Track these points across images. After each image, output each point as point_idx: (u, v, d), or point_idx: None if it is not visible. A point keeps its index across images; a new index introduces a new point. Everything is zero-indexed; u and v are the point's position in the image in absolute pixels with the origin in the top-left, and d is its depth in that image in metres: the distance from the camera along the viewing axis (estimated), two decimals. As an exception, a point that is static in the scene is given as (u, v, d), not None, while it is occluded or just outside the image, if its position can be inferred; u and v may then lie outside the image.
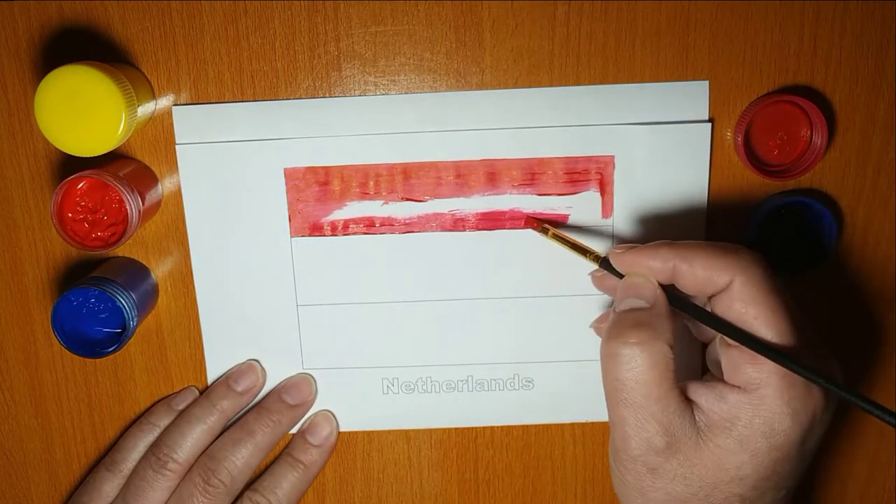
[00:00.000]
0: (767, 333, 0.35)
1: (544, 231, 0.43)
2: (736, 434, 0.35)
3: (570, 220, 0.44)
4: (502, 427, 0.47)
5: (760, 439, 0.35)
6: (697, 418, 0.36)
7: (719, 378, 0.37)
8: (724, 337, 0.36)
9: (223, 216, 0.44)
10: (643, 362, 0.35)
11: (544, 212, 0.44)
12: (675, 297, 0.38)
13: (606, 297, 0.45)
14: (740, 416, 0.35)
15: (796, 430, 0.35)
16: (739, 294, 0.35)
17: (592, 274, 0.42)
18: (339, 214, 0.44)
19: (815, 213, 0.43)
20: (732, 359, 0.36)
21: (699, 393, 0.36)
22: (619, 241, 0.44)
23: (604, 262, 0.40)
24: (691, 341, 0.43)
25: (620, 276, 0.39)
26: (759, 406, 0.35)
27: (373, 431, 0.47)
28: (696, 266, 0.36)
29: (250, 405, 0.46)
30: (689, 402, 0.36)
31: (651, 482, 0.36)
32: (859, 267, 0.45)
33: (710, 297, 0.37)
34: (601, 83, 0.42)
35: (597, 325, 0.44)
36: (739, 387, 0.35)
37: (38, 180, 0.44)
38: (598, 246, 0.44)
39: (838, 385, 0.33)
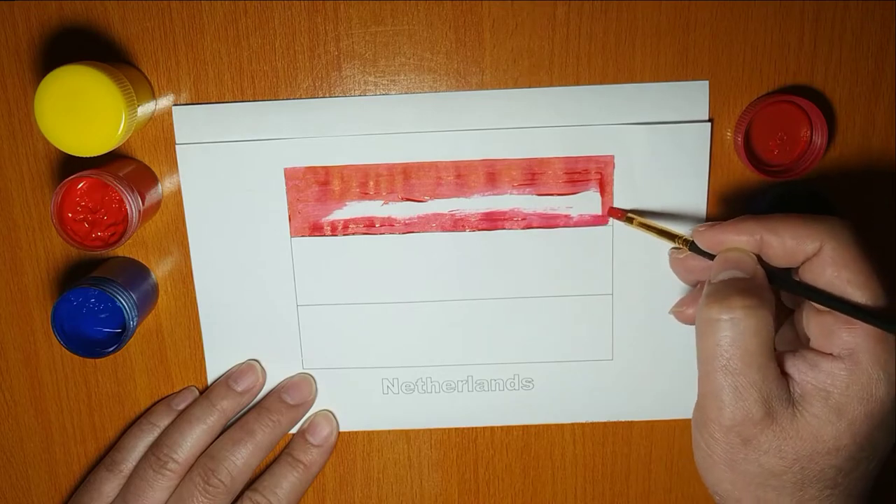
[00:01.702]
0: (861, 297, 0.35)
1: (629, 220, 0.43)
2: (832, 402, 0.34)
3: (571, 221, 0.44)
4: (502, 427, 0.47)
5: (857, 406, 0.34)
6: (792, 390, 0.35)
7: (808, 347, 0.37)
8: (814, 304, 0.36)
9: (223, 216, 0.44)
10: (747, 328, 0.35)
11: (544, 211, 0.44)
12: (770, 270, 0.37)
13: (605, 298, 0.45)
14: (836, 384, 0.34)
15: (891, 397, 0.34)
16: (831, 259, 0.35)
17: (674, 255, 0.42)
18: (339, 214, 0.44)
19: (818, 204, 0.42)
20: (825, 325, 0.35)
21: (791, 363, 0.36)
22: (619, 241, 0.44)
23: (692, 246, 0.40)
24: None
25: (711, 256, 0.39)
26: (854, 371, 0.34)
27: (373, 431, 0.47)
28: (784, 235, 0.36)
29: (250, 405, 0.46)
30: (783, 373, 0.36)
31: (744, 454, 0.36)
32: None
33: (797, 269, 0.37)
34: (601, 83, 0.42)
35: (677, 310, 0.43)
36: (832, 354, 0.35)
37: (38, 180, 0.44)
38: (602, 248, 0.44)
39: None
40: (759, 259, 0.38)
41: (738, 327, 0.35)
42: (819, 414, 0.35)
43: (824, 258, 0.35)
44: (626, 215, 0.43)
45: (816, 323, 0.36)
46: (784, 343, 0.40)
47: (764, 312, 0.35)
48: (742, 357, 0.35)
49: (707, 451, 0.37)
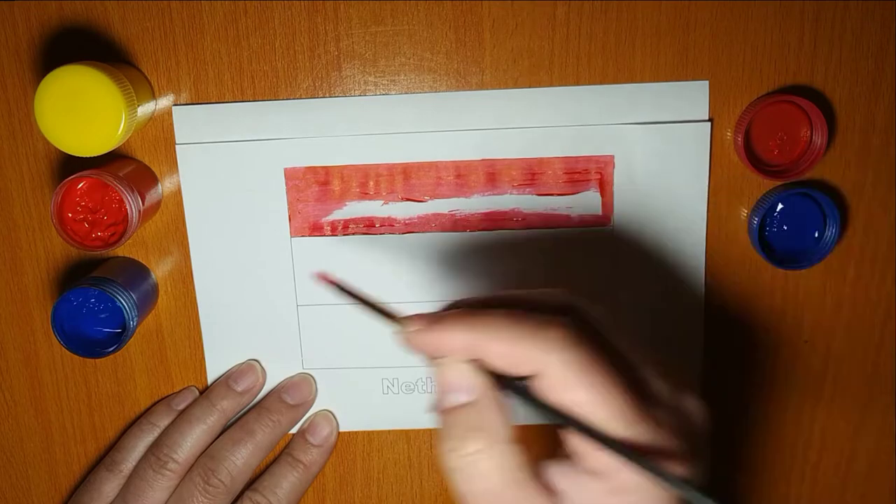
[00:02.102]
0: (604, 417, 0.30)
1: (339, 288, 0.37)
2: None
3: (571, 221, 0.44)
4: (502, 427, 0.47)
5: None
6: None
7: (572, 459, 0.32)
8: None
9: (223, 216, 0.44)
10: (486, 471, 0.31)
11: (544, 211, 0.44)
12: (504, 381, 0.32)
13: (605, 298, 0.45)
14: (598, 501, 0.31)
15: None
16: (556, 382, 0.30)
17: (405, 342, 0.34)
18: (339, 214, 0.44)
19: (817, 205, 0.43)
20: (576, 445, 0.31)
21: (564, 480, 0.32)
22: (619, 241, 0.44)
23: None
24: None
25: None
26: (623, 493, 0.30)
27: (373, 431, 0.47)
28: (494, 351, 0.31)
29: (250, 405, 0.46)
30: (551, 493, 0.32)
31: None
32: (859, 267, 0.45)
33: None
34: (601, 83, 0.42)
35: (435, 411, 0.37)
36: (596, 473, 0.31)
37: (38, 180, 0.44)
38: (602, 248, 0.44)
39: (672, 478, 0.29)
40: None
41: (477, 472, 0.31)
42: None
43: (551, 381, 0.30)
44: (334, 284, 0.37)
45: (568, 440, 0.32)
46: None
47: (499, 447, 0.31)
48: (492, 499, 0.31)
49: None
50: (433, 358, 0.33)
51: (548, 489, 0.32)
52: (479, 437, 0.31)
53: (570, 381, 0.30)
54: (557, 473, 0.32)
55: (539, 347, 0.30)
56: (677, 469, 0.30)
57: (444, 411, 0.32)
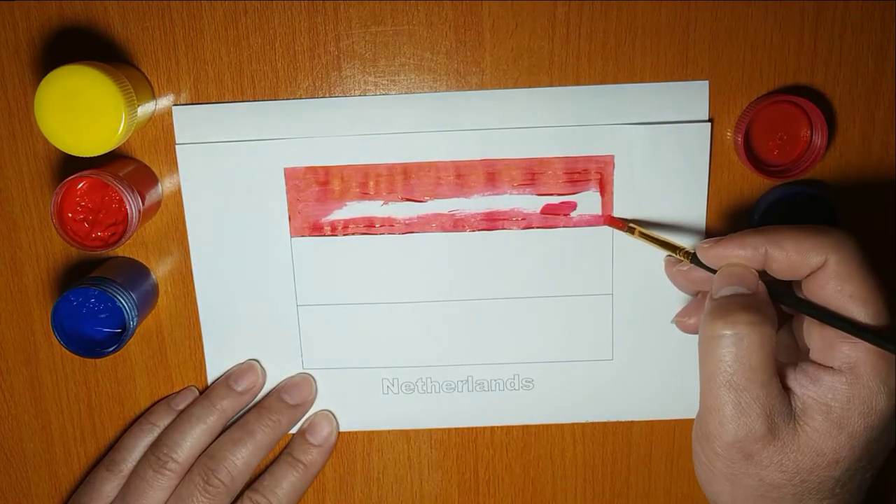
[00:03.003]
0: (862, 311, 0.35)
1: (630, 231, 0.43)
2: (834, 416, 0.35)
3: (571, 221, 0.44)
4: (502, 427, 0.47)
5: (858, 420, 0.34)
6: (793, 404, 0.36)
7: (807, 359, 0.37)
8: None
9: (223, 216, 0.44)
10: (750, 344, 0.35)
11: (541, 211, 0.44)
12: (772, 286, 0.37)
13: (605, 298, 0.45)
14: (837, 398, 0.35)
15: (891, 410, 0.35)
16: (835, 272, 0.35)
17: (674, 269, 0.42)
18: (339, 214, 0.44)
19: (818, 205, 0.43)
20: (826, 339, 0.36)
21: (792, 377, 0.36)
22: (619, 241, 0.44)
23: (694, 258, 0.40)
24: None
25: (713, 270, 0.39)
26: (855, 385, 0.34)
27: (373, 431, 0.47)
28: (788, 249, 0.36)
29: (250, 405, 0.46)
30: (784, 388, 0.36)
31: (745, 469, 0.36)
32: (859, 267, 0.45)
33: (801, 281, 0.37)
34: (601, 83, 0.42)
35: (680, 319, 0.43)
36: (833, 367, 0.35)
37: (38, 180, 0.44)
38: (602, 248, 0.44)
39: None
40: (762, 273, 0.38)
41: (741, 343, 0.35)
42: (820, 428, 0.35)
43: (828, 272, 0.35)
44: (627, 225, 0.43)
45: (818, 336, 0.36)
46: (781, 349, 0.40)
47: (767, 328, 0.35)
48: (745, 373, 0.35)
49: (708, 465, 0.37)
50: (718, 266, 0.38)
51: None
52: (754, 313, 0.36)
53: (848, 273, 0.35)
54: (789, 371, 0.36)
55: (826, 242, 0.35)
56: None
57: (720, 297, 0.37)
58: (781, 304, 0.38)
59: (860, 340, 0.34)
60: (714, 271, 0.39)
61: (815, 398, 0.35)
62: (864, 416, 0.35)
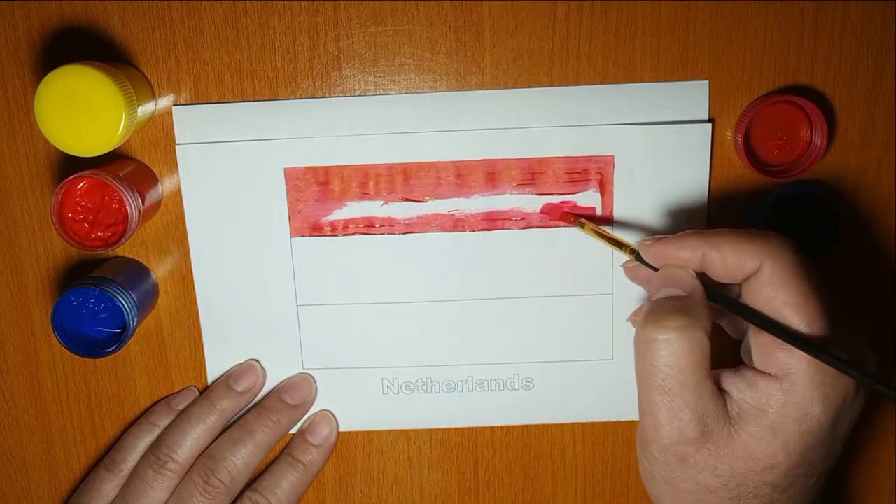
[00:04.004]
0: (796, 318, 0.35)
1: (581, 226, 0.42)
2: (767, 422, 0.35)
3: (571, 221, 0.44)
4: (502, 427, 0.47)
5: (792, 426, 0.34)
6: (729, 408, 0.36)
7: (750, 366, 0.37)
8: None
9: (223, 216, 0.44)
10: (680, 349, 0.35)
11: (541, 211, 0.44)
12: (708, 288, 0.37)
13: (605, 298, 0.45)
14: (771, 403, 0.35)
15: (827, 416, 0.35)
16: (769, 278, 0.35)
17: (624, 265, 0.42)
18: (339, 214, 0.44)
19: (818, 204, 0.43)
20: (763, 345, 0.36)
21: (730, 381, 0.36)
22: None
23: (638, 256, 0.40)
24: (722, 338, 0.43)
25: (655, 268, 0.39)
26: (790, 392, 0.34)
27: (373, 431, 0.47)
28: (725, 252, 0.36)
29: (250, 405, 0.46)
30: (721, 391, 0.36)
31: (681, 472, 0.36)
32: (859, 267, 0.45)
33: (740, 285, 0.37)
34: (601, 83, 0.42)
35: (633, 318, 0.44)
36: (770, 374, 0.35)
37: (38, 180, 0.44)
38: (602, 248, 0.44)
39: (866, 374, 0.33)
40: (704, 275, 0.37)
41: (671, 348, 0.35)
42: (754, 433, 0.35)
43: (762, 278, 0.35)
44: (578, 220, 0.43)
45: (756, 342, 0.36)
46: (746, 355, 0.40)
47: (697, 332, 0.35)
48: (676, 377, 0.35)
49: (648, 469, 0.37)
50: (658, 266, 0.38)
51: (718, 388, 0.36)
52: (684, 317, 0.35)
53: (782, 280, 0.35)
54: (725, 377, 0.36)
55: (762, 248, 0.35)
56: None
57: (656, 300, 0.37)
58: (717, 305, 0.37)
59: (794, 349, 0.34)
60: (657, 269, 0.39)
61: (750, 403, 0.35)
62: (798, 422, 0.34)
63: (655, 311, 0.36)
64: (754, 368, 0.36)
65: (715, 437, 0.35)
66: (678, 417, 0.35)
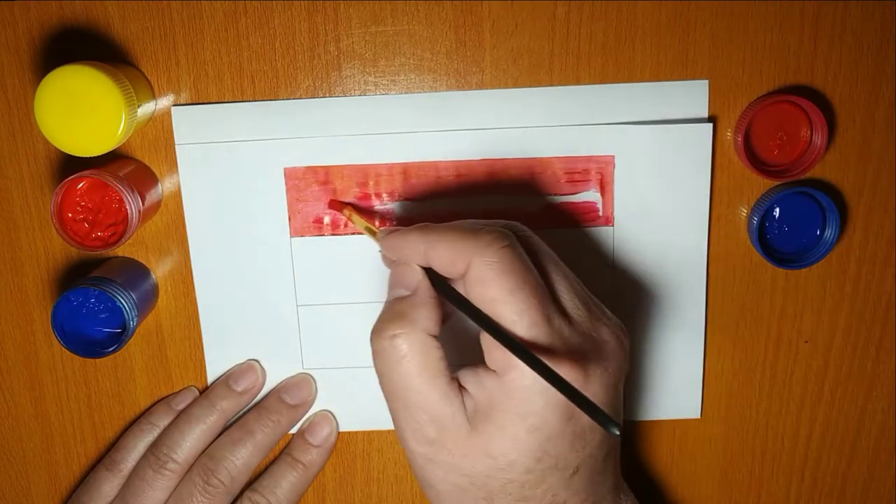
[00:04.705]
0: (508, 315, 0.34)
1: (348, 215, 0.43)
2: (495, 419, 0.34)
3: (571, 221, 0.44)
4: (502, 427, 0.47)
5: (518, 422, 0.34)
6: (467, 406, 0.35)
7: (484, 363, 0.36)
8: None
9: (223, 216, 0.44)
10: (404, 353, 0.35)
11: (541, 211, 0.44)
12: (436, 283, 0.37)
13: (605, 298, 0.45)
14: (496, 401, 0.34)
15: (551, 409, 0.34)
16: (478, 276, 0.34)
17: (381, 254, 0.41)
18: (340, 214, 0.44)
19: (818, 204, 0.43)
20: (486, 341, 0.35)
21: (467, 379, 0.36)
22: (619, 241, 0.44)
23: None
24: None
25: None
26: (510, 389, 0.34)
27: (373, 431, 0.47)
28: (440, 251, 0.36)
29: (250, 405, 0.46)
30: (461, 389, 0.36)
31: (432, 473, 0.36)
32: (859, 267, 0.45)
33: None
34: (601, 83, 0.42)
35: None
36: (495, 371, 0.35)
37: (38, 180, 0.44)
38: (603, 248, 0.44)
39: (553, 375, 0.32)
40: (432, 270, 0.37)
41: (396, 353, 0.35)
42: (485, 431, 0.34)
43: (472, 276, 0.35)
44: (343, 207, 0.43)
45: (482, 338, 0.36)
46: None
47: (418, 334, 0.35)
48: (403, 382, 0.35)
49: (414, 472, 0.37)
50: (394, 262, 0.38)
51: (460, 387, 0.36)
52: (404, 322, 0.35)
53: (487, 278, 0.34)
54: (466, 374, 0.36)
55: (470, 247, 0.35)
56: (572, 381, 0.33)
57: (385, 304, 0.37)
58: (445, 299, 0.36)
59: None
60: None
61: (481, 400, 0.35)
62: (522, 417, 0.34)
63: (381, 318, 0.36)
64: (485, 365, 0.36)
65: (453, 436, 0.35)
66: (415, 420, 0.35)
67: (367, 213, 0.44)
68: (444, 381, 0.35)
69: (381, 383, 0.36)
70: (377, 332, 0.36)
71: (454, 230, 0.36)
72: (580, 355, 0.35)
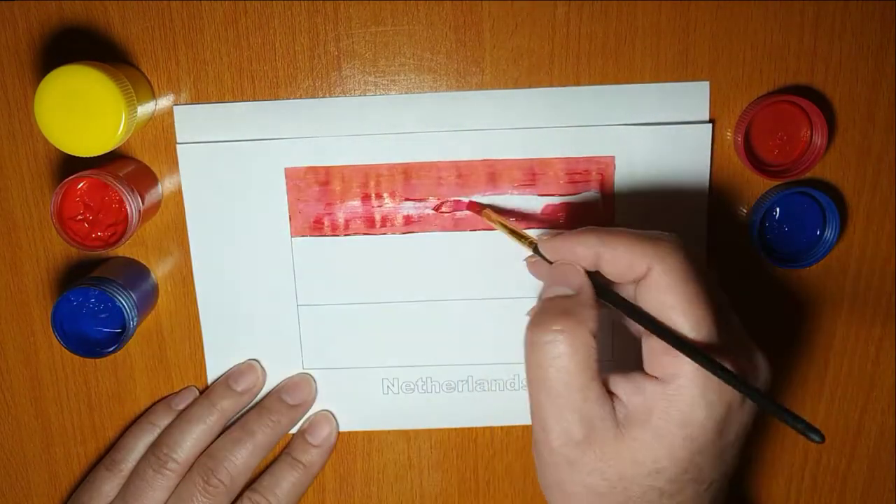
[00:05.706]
0: (684, 323, 0.34)
1: (487, 216, 0.42)
2: (652, 426, 0.34)
3: (571, 221, 0.44)
4: (502, 427, 0.47)
5: (676, 430, 0.34)
6: (617, 410, 0.35)
7: (642, 370, 0.36)
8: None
9: (223, 216, 0.44)
10: (565, 350, 0.35)
11: (545, 212, 0.44)
12: (599, 287, 0.37)
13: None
14: (656, 407, 0.34)
15: (711, 422, 0.34)
16: (657, 282, 0.35)
17: (527, 259, 0.41)
18: (340, 214, 0.44)
19: (818, 204, 0.43)
20: (650, 348, 0.35)
21: (619, 385, 0.36)
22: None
23: (536, 249, 0.39)
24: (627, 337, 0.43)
25: (551, 262, 0.39)
26: (674, 397, 0.34)
27: (373, 431, 0.47)
28: (617, 253, 0.36)
29: (250, 405, 0.46)
30: (610, 394, 0.36)
31: (569, 475, 0.36)
32: (859, 267, 0.45)
33: (637, 286, 0.37)
34: (601, 83, 0.42)
35: (529, 315, 0.43)
36: (657, 377, 0.35)
37: (38, 180, 0.44)
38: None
39: (745, 384, 0.32)
40: (598, 273, 0.37)
41: (556, 350, 0.35)
42: (639, 437, 0.35)
43: (651, 280, 0.35)
44: (483, 210, 0.43)
45: (645, 344, 0.36)
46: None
47: (582, 333, 0.35)
48: (560, 378, 0.35)
49: (541, 472, 0.37)
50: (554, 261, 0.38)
51: (607, 391, 0.36)
52: (568, 320, 0.35)
53: (667, 285, 0.35)
54: (617, 379, 0.36)
55: (651, 252, 0.35)
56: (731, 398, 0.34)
57: (545, 299, 0.37)
58: (607, 304, 0.37)
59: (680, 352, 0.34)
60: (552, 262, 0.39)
61: (637, 406, 0.35)
62: (682, 426, 0.34)
63: (542, 313, 0.36)
64: (643, 371, 0.36)
65: (601, 439, 0.35)
66: (565, 419, 0.35)
67: (504, 213, 0.44)
68: (599, 384, 0.35)
69: (532, 377, 0.36)
70: (539, 324, 0.36)
71: (632, 234, 0.36)
72: (742, 373, 0.35)
